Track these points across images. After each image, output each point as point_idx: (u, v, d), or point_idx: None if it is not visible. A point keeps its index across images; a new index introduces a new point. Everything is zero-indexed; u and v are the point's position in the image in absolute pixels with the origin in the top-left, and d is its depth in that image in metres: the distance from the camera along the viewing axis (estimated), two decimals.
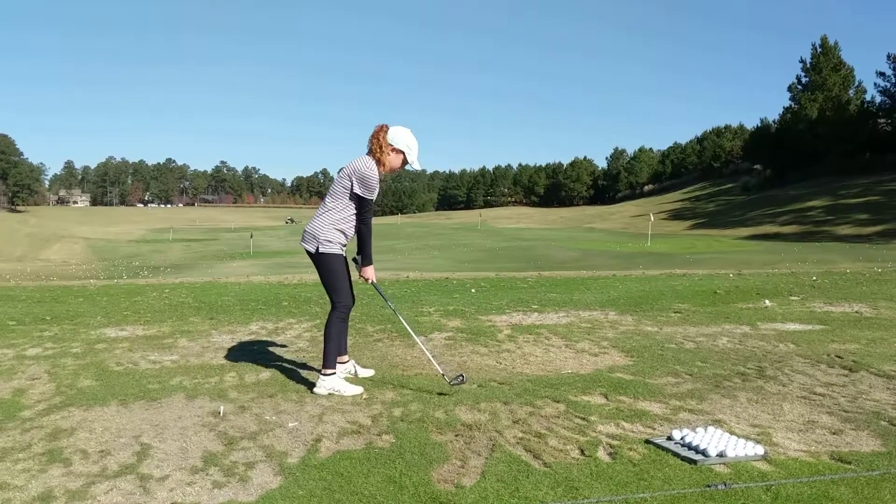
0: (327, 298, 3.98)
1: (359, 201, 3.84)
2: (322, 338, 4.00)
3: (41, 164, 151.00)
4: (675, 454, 2.82)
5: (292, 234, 62.81)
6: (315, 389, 3.83)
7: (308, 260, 4.00)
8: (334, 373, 3.87)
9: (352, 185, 3.81)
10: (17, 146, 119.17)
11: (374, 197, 3.89)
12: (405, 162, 3.94)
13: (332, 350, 3.87)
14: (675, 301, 7.88)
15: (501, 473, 2.64)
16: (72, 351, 5.02)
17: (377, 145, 3.86)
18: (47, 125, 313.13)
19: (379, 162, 3.84)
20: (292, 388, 3.92)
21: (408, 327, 4.18)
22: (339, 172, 4.00)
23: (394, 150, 3.89)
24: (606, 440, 3.02)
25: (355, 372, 4.20)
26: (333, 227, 3.86)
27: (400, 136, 3.89)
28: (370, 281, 3.97)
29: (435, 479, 2.60)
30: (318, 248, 3.87)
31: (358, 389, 3.82)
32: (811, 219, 41.83)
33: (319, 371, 3.90)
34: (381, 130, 3.91)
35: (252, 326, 6.17)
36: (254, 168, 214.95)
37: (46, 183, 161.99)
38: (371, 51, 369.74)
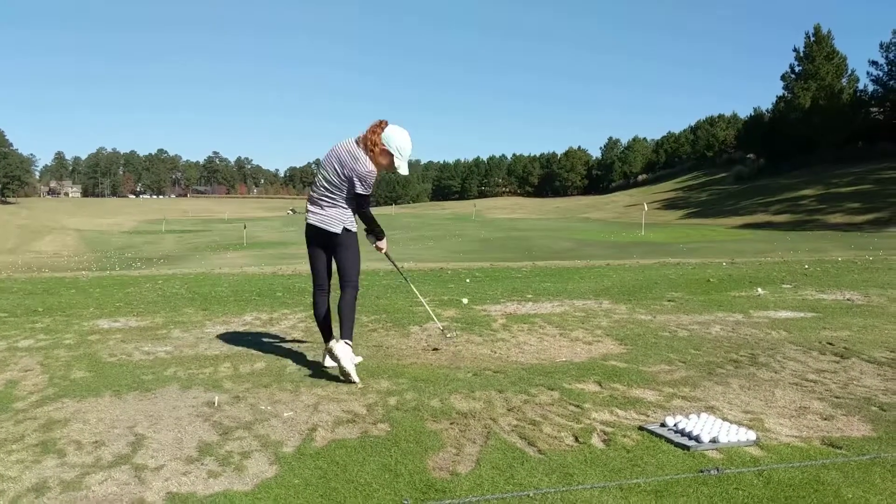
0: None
1: (359, 196, 3.90)
2: (339, 316, 3.98)
3: (31, 155, 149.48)
4: (669, 440, 2.85)
5: (286, 224, 62.60)
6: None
7: (304, 249, 4.02)
8: (351, 345, 3.86)
9: (352, 186, 3.82)
10: (7, 137, 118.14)
11: (371, 189, 3.97)
12: (392, 165, 3.89)
13: (352, 324, 3.96)
14: (668, 290, 7.92)
15: (496, 461, 2.65)
16: (64, 342, 5.00)
17: (371, 141, 3.84)
18: (37, 117, 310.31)
19: (368, 152, 3.85)
20: (287, 378, 3.92)
21: (414, 289, 4.88)
22: (333, 162, 3.94)
23: (383, 149, 3.84)
24: (600, 427, 3.04)
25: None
26: (350, 213, 3.98)
27: (393, 138, 3.83)
28: (384, 251, 4.25)
29: (430, 466, 2.61)
30: (344, 227, 3.94)
31: (356, 378, 3.81)
32: (803, 207, 42.02)
33: (320, 359, 3.90)
34: (379, 126, 3.86)
35: (246, 317, 6.16)
36: (246, 159, 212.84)
37: (37, 174, 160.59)
38: (365, 42, 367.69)
